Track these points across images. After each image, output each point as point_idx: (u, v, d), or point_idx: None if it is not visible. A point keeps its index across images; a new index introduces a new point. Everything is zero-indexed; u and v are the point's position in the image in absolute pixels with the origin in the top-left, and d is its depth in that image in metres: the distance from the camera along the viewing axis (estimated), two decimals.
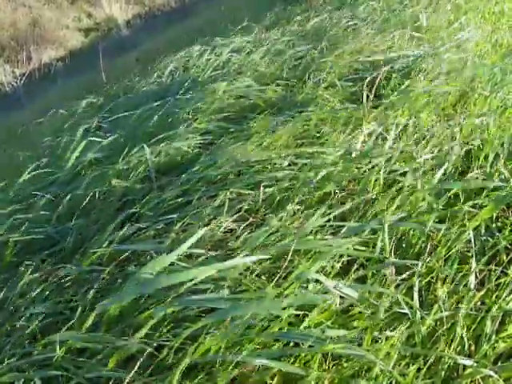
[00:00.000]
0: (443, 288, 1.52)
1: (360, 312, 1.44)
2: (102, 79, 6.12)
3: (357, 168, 2.05)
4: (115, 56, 10.39)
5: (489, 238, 1.67)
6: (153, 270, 1.49)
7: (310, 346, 1.29)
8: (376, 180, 1.97)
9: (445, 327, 1.40)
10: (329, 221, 1.74)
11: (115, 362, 1.41)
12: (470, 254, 1.61)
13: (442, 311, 1.43)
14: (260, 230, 1.74)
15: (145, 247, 1.96)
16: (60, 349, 1.49)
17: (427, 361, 1.35)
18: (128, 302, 1.61)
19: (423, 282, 1.55)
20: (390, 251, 1.62)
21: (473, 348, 1.40)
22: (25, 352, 1.66)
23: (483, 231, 1.70)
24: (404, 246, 1.70)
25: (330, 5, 5.20)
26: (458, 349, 1.38)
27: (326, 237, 1.66)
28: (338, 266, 1.58)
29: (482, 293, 1.48)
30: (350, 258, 1.63)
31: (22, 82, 12.59)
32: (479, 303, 1.48)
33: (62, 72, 12.81)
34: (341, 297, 1.43)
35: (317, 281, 1.44)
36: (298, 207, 1.92)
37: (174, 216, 2.11)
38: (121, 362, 1.45)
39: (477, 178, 1.90)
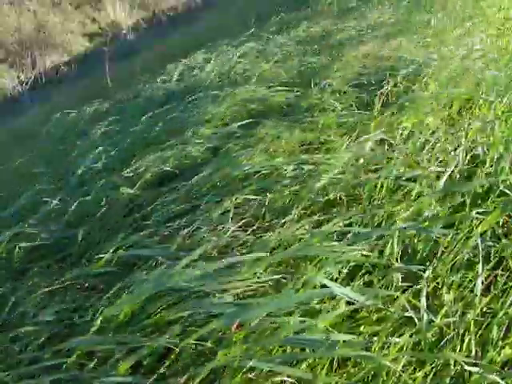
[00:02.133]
0: (449, 294, 1.53)
1: (367, 317, 1.45)
2: (107, 84, 6.14)
3: (363, 174, 2.05)
4: (120, 60, 10.44)
5: (495, 244, 1.67)
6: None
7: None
8: (382, 186, 1.98)
9: (451, 333, 1.41)
10: (336, 227, 1.75)
11: (126, 368, 1.42)
12: (477, 260, 1.61)
13: (448, 317, 1.44)
14: (266, 236, 1.75)
15: (151, 253, 1.97)
16: (71, 354, 1.50)
17: (433, 367, 1.35)
18: (135, 308, 1.62)
19: (429, 288, 1.55)
20: (397, 257, 1.62)
21: (479, 354, 1.40)
22: (35, 357, 1.67)
23: (489, 237, 1.70)
24: (410, 251, 1.70)
25: (337, 11, 5.20)
26: (465, 354, 1.38)
27: (333, 243, 1.66)
28: (345, 271, 1.58)
29: (488, 299, 1.49)
30: (355, 264, 1.63)
31: (27, 86, 12.64)
32: (485, 309, 1.49)
33: (67, 76, 12.87)
34: (347, 303, 1.44)
35: (323, 286, 1.45)
36: (304, 213, 1.92)
37: (181, 221, 2.12)
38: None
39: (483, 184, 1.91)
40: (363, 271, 1.60)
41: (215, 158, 2.63)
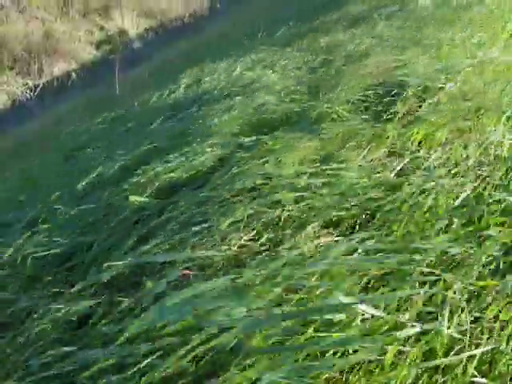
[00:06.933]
0: (460, 304, 1.53)
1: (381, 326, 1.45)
2: (114, 92, 6.16)
3: (375, 187, 2.06)
4: (127, 69, 10.48)
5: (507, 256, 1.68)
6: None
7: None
8: (398, 200, 1.98)
9: (461, 345, 1.41)
10: (350, 241, 1.75)
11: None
12: (487, 272, 1.62)
13: (458, 328, 1.44)
14: (278, 249, 1.76)
15: (162, 258, 1.98)
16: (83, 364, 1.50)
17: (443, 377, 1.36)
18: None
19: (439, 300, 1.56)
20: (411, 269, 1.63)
21: (487, 366, 1.40)
22: (45, 365, 1.68)
23: (498, 248, 1.71)
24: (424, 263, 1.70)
25: (345, 22, 5.22)
26: (474, 367, 1.39)
27: (349, 257, 1.67)
28: (360, 282, 1.59)
29: (499, 308, 1.50)
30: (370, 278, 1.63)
31: (34, 93, 12.71)
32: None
33: (74, 84, 12.94)
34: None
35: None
36: (318, 227, 1.92)
37: (190, 231, 2.12)
38: None
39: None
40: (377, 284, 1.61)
41: (224, 169, 2.63)
